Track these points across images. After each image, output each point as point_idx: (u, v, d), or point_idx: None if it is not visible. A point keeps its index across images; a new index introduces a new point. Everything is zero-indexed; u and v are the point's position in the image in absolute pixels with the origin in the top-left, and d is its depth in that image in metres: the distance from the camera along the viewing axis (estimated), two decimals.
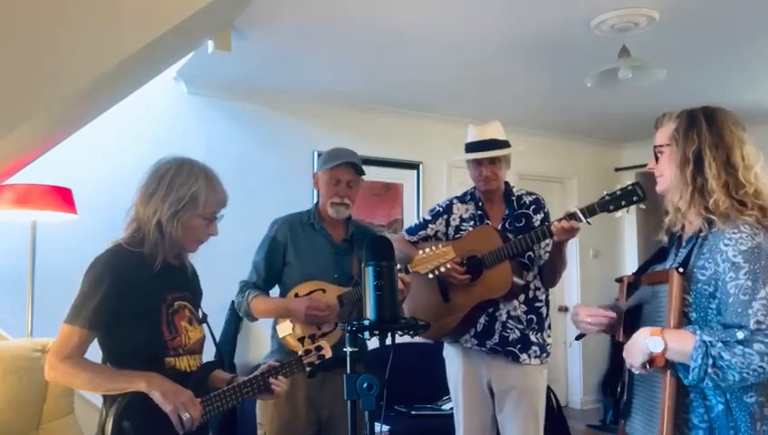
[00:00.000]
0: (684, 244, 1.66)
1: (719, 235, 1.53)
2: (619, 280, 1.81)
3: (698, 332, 1.45)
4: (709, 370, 1.42)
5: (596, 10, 3.23)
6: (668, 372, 1.51)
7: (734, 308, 1.46)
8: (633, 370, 1.58)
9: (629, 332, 1.65)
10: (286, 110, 4.71)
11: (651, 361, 1.51)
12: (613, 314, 1.72)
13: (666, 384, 1.52)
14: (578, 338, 1.89)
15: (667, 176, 1.66)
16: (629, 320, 1.68)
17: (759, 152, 1.63)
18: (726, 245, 1.50)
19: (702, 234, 1.57)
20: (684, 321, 1.54)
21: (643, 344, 1.50)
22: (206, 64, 3.96)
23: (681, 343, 1.46)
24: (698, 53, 3.92)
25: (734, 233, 1.50)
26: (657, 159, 1.70)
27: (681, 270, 1.54)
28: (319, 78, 4.34)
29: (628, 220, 6.49)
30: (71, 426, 2.77)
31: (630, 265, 6.43)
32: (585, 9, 3.23)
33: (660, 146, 1.68)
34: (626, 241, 6.60)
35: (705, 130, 1.61)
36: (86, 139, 3.60)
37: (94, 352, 1.77)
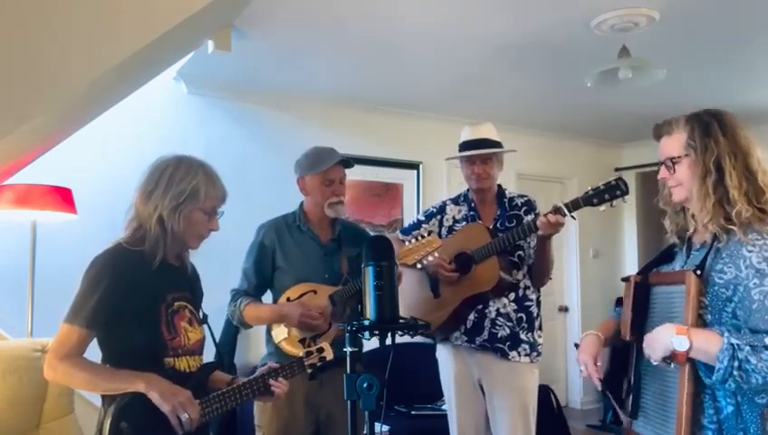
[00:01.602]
0: (698, 247, 1.65)
1: (741, 241, 1.52)
2: (626, 279, 1.79)
3: (726, 333, 1.45)
4: (734, 372, 1.42)
5: (596, 10, 3.23)
6: (687, 372, 1.50)
7: (760, 315, 1.46)
8: (652, 361, 1.58)
9: (637, 331, 1.66)
10: (286, 110, 4.71)
11: (672, 356, 1.51)
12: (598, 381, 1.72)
13: (684, 384, 1.51)
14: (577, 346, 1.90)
15: (688, 187, 1.64)
16: (638, 318, 1.67)
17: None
18: (750, 251, 1.50)
19: (720, 244, 1.56)
20: (699, 323, 1.54)
21: (667, 341, 1.50)
22: (206, 64, 3.96)
23: (707, 344, 1.46)
24: (698, 53, 3.92)
25: (758, 239, 1.50)
26: (668, 168, 1.67)
27: (699, 272, 1.54)
28: (319, 78, 4.34)
29: (627, 221, 6.50)
30: (71, 426, 2.77)
31: (630, 265, 6.43)
32: (585, 9, 3.22)
33: (676, 157, 1.65)
34: (626, 241, 6.59)
35: (721, 136, 1.59)
36: (86, 139, 3.60)
37: (94, 352, 1.76)
